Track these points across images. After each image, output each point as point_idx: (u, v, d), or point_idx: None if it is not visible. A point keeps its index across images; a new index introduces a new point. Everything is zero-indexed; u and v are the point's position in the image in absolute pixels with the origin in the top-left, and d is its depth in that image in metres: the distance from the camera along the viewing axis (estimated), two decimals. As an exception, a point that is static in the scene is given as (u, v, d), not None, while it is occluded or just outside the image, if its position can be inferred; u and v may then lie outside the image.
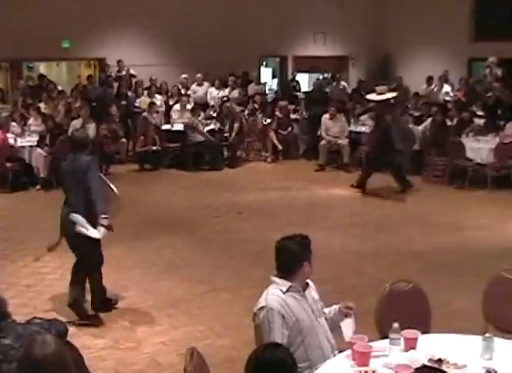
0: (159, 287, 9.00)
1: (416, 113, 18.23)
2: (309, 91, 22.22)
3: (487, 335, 4.79)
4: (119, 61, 20.37)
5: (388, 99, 14.47)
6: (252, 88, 21.37)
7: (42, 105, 17.40)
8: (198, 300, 8.54)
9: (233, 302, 8.39)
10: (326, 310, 5.27)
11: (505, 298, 5.88)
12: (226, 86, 20.42)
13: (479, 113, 17.91)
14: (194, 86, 20.29)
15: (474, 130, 15.93)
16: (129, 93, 19.38)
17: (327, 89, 22.03)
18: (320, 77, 23.63)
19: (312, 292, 5.17)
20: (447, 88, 20.59)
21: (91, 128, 15.74)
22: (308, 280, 5.15)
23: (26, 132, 16.01)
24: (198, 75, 20.34)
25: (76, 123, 15.79)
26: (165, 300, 8.53)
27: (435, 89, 20.71)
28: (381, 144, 14.06)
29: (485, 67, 19.70)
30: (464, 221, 12.17)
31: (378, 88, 14.67)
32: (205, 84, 20.50)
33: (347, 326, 5.11)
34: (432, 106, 17.35)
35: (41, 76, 20.71)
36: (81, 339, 7.02)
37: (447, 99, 20.01)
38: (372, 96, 14.73)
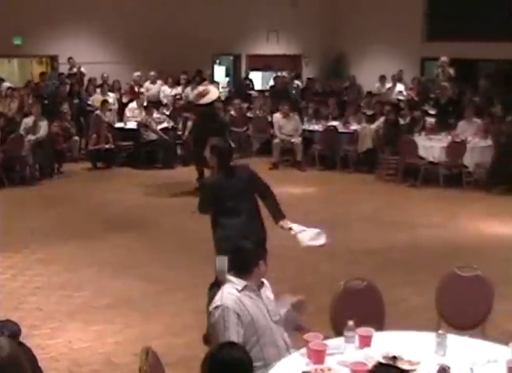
0: (114, 286, 8.94)
1: (369, 112, 18.35)
2: (272, 86, 22.57)
3: (440, 332, 4.83)
4: (70, 58, 20.17)
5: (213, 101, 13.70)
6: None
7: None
8: (153, 299, 8.50)
9: (188, 301, 8.36)
10: (280, 309, 5.28)
11: (458, 295, 5.95)
12: (179, 84, 20.36)
13: (431, 111, 18.09)
14: (147, 84, 20.14)
15: (426, 129, 16.10)
16: (82, 91, 19.23)
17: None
18: (284, 74, 23.68)
19: (267, 291, 5.17)
20: (400, 87, 20.77)
21: (43, 126, 15.60)
22: (263, 280, 5.15)
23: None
24: (152, 73, 20.24)
25: (28, 121, 15.63)
26: (119, 299, 8.48)
27: (388, 88, 20.86)
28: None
29: (438, 66, 19.89)
30: (417, 219, 12.29)
31: (201, 88, 14.26)
32: (159, 82, 20.40)
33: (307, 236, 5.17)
34: (385, 104, 17.49)
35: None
36: (34, 339, 6.92)
37: (400, 98, 20.18)
38: (197, 99, 13.65)
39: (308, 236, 6.47)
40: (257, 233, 6.71)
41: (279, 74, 23.78)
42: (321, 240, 6.45)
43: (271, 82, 23.71)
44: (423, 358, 4.61)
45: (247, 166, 7.73)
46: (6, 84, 19.30)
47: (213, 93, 13.70)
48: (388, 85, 21.07)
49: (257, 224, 6.99)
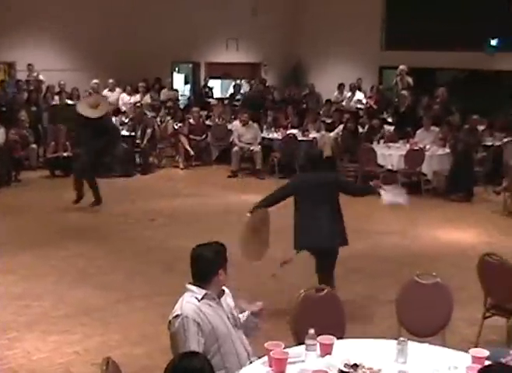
0: (72, 295, 8.85)
1: (328, 120, 18.43)
2: (245, 93, 22.83)
3: (401, 339, 4.85)
4: (29, 65, 19.99)
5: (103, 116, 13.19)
6: (164, 94, 21.28)
7: None
8: (113, 308, 8.43)
9: (147, 310, 8.32)
10: (240, 316, 5.27)
11: (418, 303, 5.98)
12: (137, 92, 20.28)
13: (390, 120, 18.23)
14: (105, 91, 20.03)
15: (385, 137, 16.21)
16: (40, 98, 19.09)
17: (238, 96, 22.40)
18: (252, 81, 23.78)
19: (228, 299, 5.16)
20: (359, 95, 20.89)
21: (0, 133, 15.44)
22: (224, 287, 5.14)
23: None
24: (111, 81, 20.13)
25: (-15, 128, 15.50)
26: (78, 309, 8.39)
27: (347, 96, 20.95)
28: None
29: (396, 75, 20.04)
30: (375, 227, 12.35)
31: (91, 99, 13.67)
32: (117, 89, 20.33)
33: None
34: (344, 113, 17.59)
35: None
36: (-9, 350, 6.86)
37: (359, 106, 20.30)
38: (85, 111, 13.10)
39: (391, 194, 7.12)
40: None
41: (238, 82, 23.87)
42: (402, 199, 7.12)
43: (231, 90, 23.79)
44: (384, 366, 4.64)
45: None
46: None
47: (104, 105, 13.37)
48: (347, 93, 21.16)
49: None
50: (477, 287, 7.19)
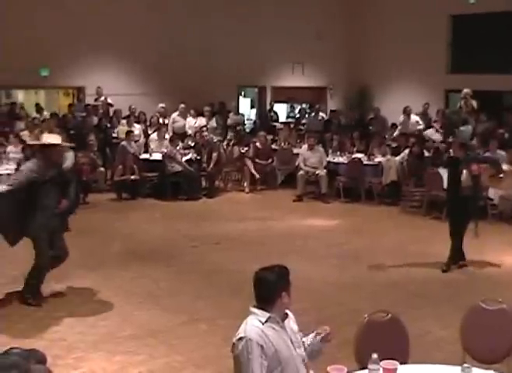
0: (138, 316, 8.96)
1: (394, 144, 18.34)
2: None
3: (465, 365, 4.81)
4: (98, 88, 20.33)
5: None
6: (231, 118, 21.45)
7: (25, 132, 17.36)
8: (177, 330, 8.50)
9: (211, 333, 8.36)
10: (304, 339, 5.27)
11: (482, 329, 5.92)
12: (202, 115, 20.38)
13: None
14: (174, 116, 20.16)
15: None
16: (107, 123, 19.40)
17: (304, 120, 22.50)
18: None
19: (291, 323, 5.16)
20: (414, 117, 20.52)
21: (69, 157, 15.64)
22: (287, 311, 5.14)
23: (3, 160, 15.94)
24: (182, 106, 20.18)
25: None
26: (143, 329, 8.48)
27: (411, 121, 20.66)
28: None
29: (460, 98, 19.86)
30: (440, 252, 12.21)
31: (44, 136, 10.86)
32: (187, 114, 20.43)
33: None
34: (409, 137, 17.50)
35: (12, 104, 20.66)
36: (58, 369, 6.94)
37: (419, 127, 20.07)
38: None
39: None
40: None
41: (304, 106, 24.02)
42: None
43: (297, 114, 23.97)
44: (448, 392, 4.60)
45: None
46: (46, 113, 19.64)
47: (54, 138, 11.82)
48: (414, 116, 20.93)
49: None
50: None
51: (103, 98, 20.26)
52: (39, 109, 20.55)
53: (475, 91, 19.74)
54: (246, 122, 23.23)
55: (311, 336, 5.26)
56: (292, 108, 24.70)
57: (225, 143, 19.26)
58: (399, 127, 20.20)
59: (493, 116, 18.97)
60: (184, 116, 20.20)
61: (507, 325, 5.87)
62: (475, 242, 11.72)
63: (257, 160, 18.39)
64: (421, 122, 20.35)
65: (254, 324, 4.91)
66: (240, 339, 4.86)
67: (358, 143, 18.49)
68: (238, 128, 20.03)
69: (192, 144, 18.59)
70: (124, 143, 17.45)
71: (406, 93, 23.27)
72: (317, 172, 17.11)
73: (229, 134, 19.83)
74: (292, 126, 21.95)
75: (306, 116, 23.94)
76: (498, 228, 14.07)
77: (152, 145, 18.11)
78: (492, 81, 20.87)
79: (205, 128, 18.89)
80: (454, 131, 17.44)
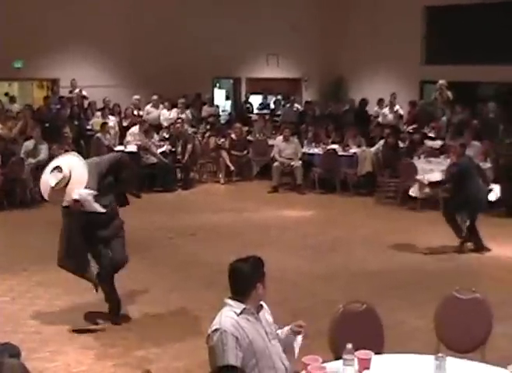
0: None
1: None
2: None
3: (439, 354, 4.82)
4: (72, 80, 20.23)
5: None
6: (206, 110, 21.41)
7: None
8: (153, 322, 8.49)
9: (187, 325, 8.35)
10: (279, 331, 5.27)
11: (457, 318, 5.94)
12: (176, 107, 20.29)
13: (431, 134, 18.12)
14: (148, 107, 20.10)
15: (425, 152, 16.12)
16: (82, 114, 19.31)
17: (279, 112, 22.49)
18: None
19: (266, 314, 5.17)
20: (396, 106, 20.57)
21: (43, 149, 15.63)
22: (262, 302, 5.14)
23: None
24: (154, 97, 20.12)
25: (28, 144, 15.70)
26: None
27: (395, 111, 20.64)
28: None
29: (435, 89, 19.96)
30: (416, 242, 12.27)
31: None
32: (160, 106, 20.38)
33: (298, 345, 5.15)
34: (384, 128, 17.53)
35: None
36: (33, 362, 6.90)
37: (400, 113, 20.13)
38: None
39: None
40: None
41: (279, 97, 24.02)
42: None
43: (272, 106, 23.95)
44: (422, 381, 4.61)
45: None
46: (16, 105, 19.50)
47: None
48: (386, 108, 20.97)
49: None
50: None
51: (77, 90, 20.14)
52: (11, 98, 20.44)
53: (450, 82, 19.89)
54: (221, 113, 23.20)
55: (286, 329, 5.26)
56: (265, 99, 24.65)
57: (199, 135, 19.21)
58: (379, 119, 20.26)
59: (468, 107, 19.06)
60: (156, 107, 20.14)
61: (481, 315, 5.89)
62: (450, 231, 11.79)
63: (232, 151, 18.37)
64: (401, 111, 20.37)
65: (229, 315, 4.91)
66: (215, 330, 4.86)
67: (333, 134, 18.48)
68: (211, 120, 19.98)
69: (167, 136, 18.53)
70: (98, 135, 17.38)
71: (381, 84, 23.29)
72: (292, 164, 17.10)
73: (204, 126, 19.78)
74: (267, 117, 21.89)
75: (281, 107, 23.90)
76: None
77: (131, 138, 17.83)
78: (467, 72, 20.94)
79: (180, 120, 18.77)
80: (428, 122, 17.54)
